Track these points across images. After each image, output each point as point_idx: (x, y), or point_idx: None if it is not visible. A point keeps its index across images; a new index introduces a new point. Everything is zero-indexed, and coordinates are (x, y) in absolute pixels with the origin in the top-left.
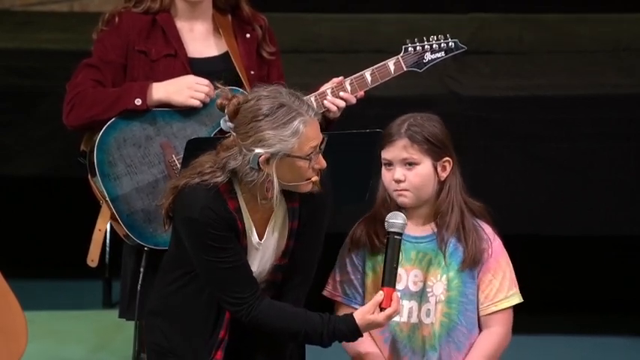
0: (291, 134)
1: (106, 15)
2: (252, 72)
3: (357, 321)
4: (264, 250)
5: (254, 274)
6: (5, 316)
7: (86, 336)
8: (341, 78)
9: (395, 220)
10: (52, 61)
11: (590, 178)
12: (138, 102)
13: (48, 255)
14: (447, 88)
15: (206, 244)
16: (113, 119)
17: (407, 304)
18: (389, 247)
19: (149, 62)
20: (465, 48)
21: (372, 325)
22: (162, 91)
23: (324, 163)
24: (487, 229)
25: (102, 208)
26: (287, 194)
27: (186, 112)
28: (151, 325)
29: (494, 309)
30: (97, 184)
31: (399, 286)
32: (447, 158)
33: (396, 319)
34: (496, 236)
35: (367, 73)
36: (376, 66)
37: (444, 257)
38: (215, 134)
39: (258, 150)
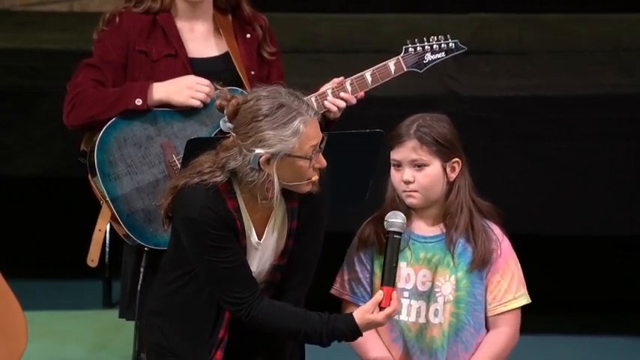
0: (292, 134)
1: (106, 15)
2: (252, 72)
3: (356, 320)
4: (263, 250)
5: (253, 274)
6: (5, 316)
7: (86, 336)
8: (341, 78)
9: (394, 219)
10: (52, 61)
11: (590, 178)
12: (138, 102)
13: (48, 255)
14: (447, 88)
15: (205, 243)
16: (114, 119)
17: (415, 304)
18: (388, 246)
19: (150, 62)
20: (465, 48)
21: (371, 325)
22: (163, 91)
23: (324, 163)
24: (496, 230)
25: (102, 208)
26: (286, 194)
27: (186, 112)
28: (151, 325)
29: (502, 309)
30: (98, 184)
31: (408, 285)
32: (456, 159)
33: (404, 318)
34: (505, 237)
35: (367, 74)
36: (376, 66)
37: (453, 258)
38: (216, 134)
39: (258, 150)
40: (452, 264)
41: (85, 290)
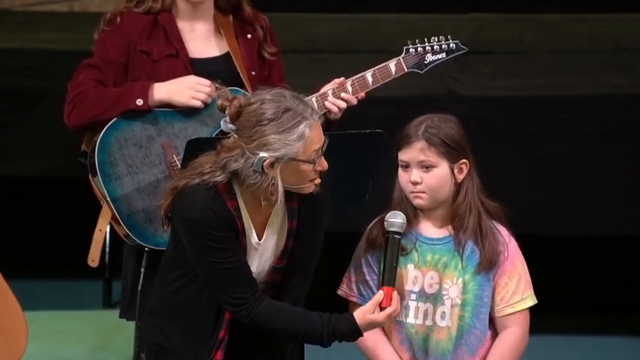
0: (297, 138)
1: (107, 15)
2: (253, 72)
3: (357, 321)
4: (263, 251)
5: (253, 275)
6: (5, 316)
7: (86, 336)
8: (342, 79)
9: (394, 219)
10: (52, 61)
11: (590, 178)
12: (139, 102)
13: (48, 255)
14: (447, 88)
15: (206, 244)
16: (114, 119)
17: (422, 307)
18: (388, 246)
19: (150, 62)
20: (466, 49)
21: (372, 325)
22: (164, 91)
23: (326, 165)
24: (503, 231)
25: (102, 208)
26: (286, 194)
27: (187, 112)
28: (151, 325)
29: (510, 311)
30: (98, 184)
31: (415, 288)
32: (464, 160)
33: (412, 321)
34: (512, 238)
35: (368, 74)
36: (377, 67)
37: (462, 260)
38: (217, 134)
39: (262, 154)
40: (460, 266)
41: (85, 290)
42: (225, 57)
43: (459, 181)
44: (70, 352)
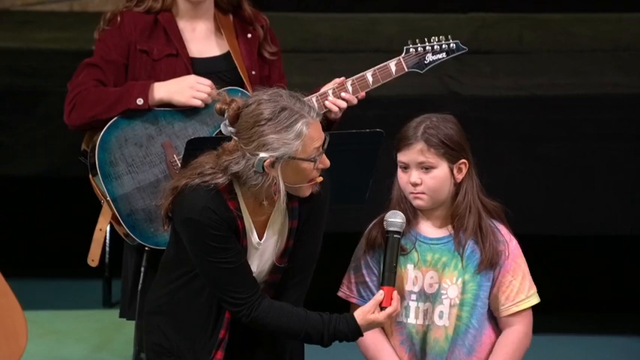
0: (295, 137)
1: (107, 14)
2: (253, 72)
3: (357, 321)
4: (263, 251)
5: (254, 275)
6: (5, 316)
7: (86, 336)
8: (342, 79)
9: (394, 219)
10: (52, 61)
11: (590, 178)
12: (140, 101)
13: (48, 255)
14: (447, 88)
15: (206, 244)
16: (115, 118)
17: (422, 306)
18: (388, 246)
19: (151, 62)
20: (466, 49)
21: (372, 325)
22: (164, 90)
23: (327, 163)
24: (503, 230)
25: (103, 207)
26: (287, 194)
27: (188, 111)
28: (151, 325)
29: (515, 309)
30: (98, 184)
31: (415, 288)
32: (463, 160)
33: (412, 321)
34: (512, 237)
35: (368, 74)
36: (378, 67)
37: (462, 260)
38: (217, 134)
39: (262, 154)
40: (460, 266)
41: (85, 290)
42: (226, 56)
43: (459, 181)
44: (70, 351)
